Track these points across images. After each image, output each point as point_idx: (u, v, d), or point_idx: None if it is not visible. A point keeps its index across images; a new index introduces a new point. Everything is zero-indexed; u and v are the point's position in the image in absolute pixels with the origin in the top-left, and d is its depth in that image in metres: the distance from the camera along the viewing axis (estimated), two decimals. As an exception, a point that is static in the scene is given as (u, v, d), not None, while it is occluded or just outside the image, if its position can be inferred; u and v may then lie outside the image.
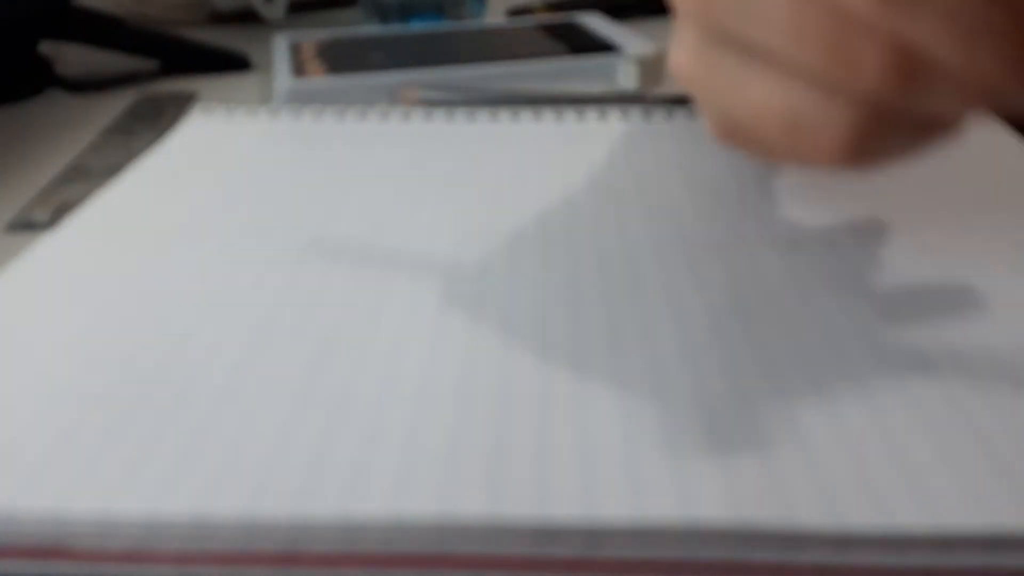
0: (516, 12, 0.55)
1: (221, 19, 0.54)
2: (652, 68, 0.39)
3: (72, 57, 0.44)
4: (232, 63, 0.44)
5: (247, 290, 0.20)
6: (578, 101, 0.34)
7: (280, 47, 0.43)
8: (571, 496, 0.14)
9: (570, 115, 0.32)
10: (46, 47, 0.43)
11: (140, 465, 0.15)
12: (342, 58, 0.41)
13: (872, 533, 0.13)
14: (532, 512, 0.13)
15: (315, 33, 0.45)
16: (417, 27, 0.47)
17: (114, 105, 0.39)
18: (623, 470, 0.14)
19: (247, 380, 0.17)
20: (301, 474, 0.14)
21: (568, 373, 0.17)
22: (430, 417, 0.16)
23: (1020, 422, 0.15)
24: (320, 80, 0.38)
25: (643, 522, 0.13)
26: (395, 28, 0.47)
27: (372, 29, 0.48)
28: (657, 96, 0.35)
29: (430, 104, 0.34)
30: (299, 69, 0.40)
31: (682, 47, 0.17)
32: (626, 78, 0.38)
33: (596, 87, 0.37)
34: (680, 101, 0.33)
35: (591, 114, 0.32)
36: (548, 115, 0.32)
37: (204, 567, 0.14)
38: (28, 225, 0.27)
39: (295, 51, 0.43)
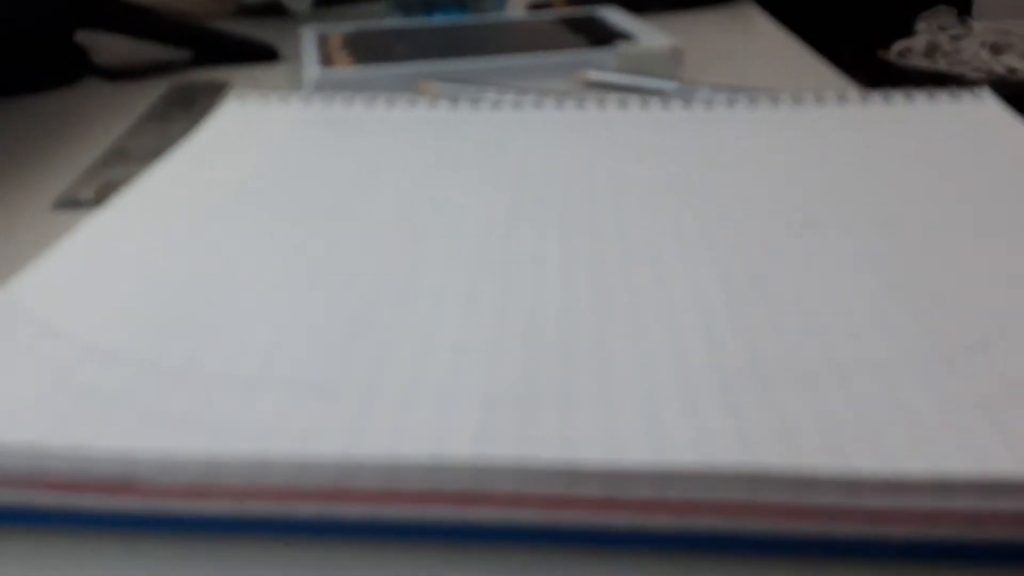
0: (536, 6, 0.56)
1: (249, 12, 0.56)
2: (670, 60, 0.40)
3: (108, 47, 0.46)
4: (261, 54, 0.46)
5: (288, 259, 0.22)
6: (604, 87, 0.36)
7: (308, 38, 0.44)
8: (595, 441, 0.15)
9: (591, 103, 0.33)
10: (83, 37, 0.45)
11: (202, 408, 0.16)
12: (368, 49, 0.43)
13: (875, 477, 0.14)
14: (559, 455, 0.15)
15: (341, 26, 0.47)
16: (440, 20, 0.48)
17: (149, 93, 0.41)
18: (644, 417, 0.16)
19: (296, 333, 0.18)
20: (349, 418, 0.16)
21: (592, 330, 0.18)
22: (466, 368, 0.17)
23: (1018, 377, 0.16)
24: (347, 70, 0.40)
25: (662, 465, 0.14)
26: (418, 21, 0.49)
27: (396, 22, 0.49)
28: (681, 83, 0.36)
29: (449, 96, 0.35)
30: (327, 59, 0.41)
31: None
32: (647, 69, 0.39)
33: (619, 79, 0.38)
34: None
35: (611, 102, 0.33)
36: (569, 103, 0.33)
37: (261, 502, 0.15)
38: (74, 203, 0.29)
39: (322, 42, 0.44)
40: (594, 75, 0.39)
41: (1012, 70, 1.07)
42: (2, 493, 0.15)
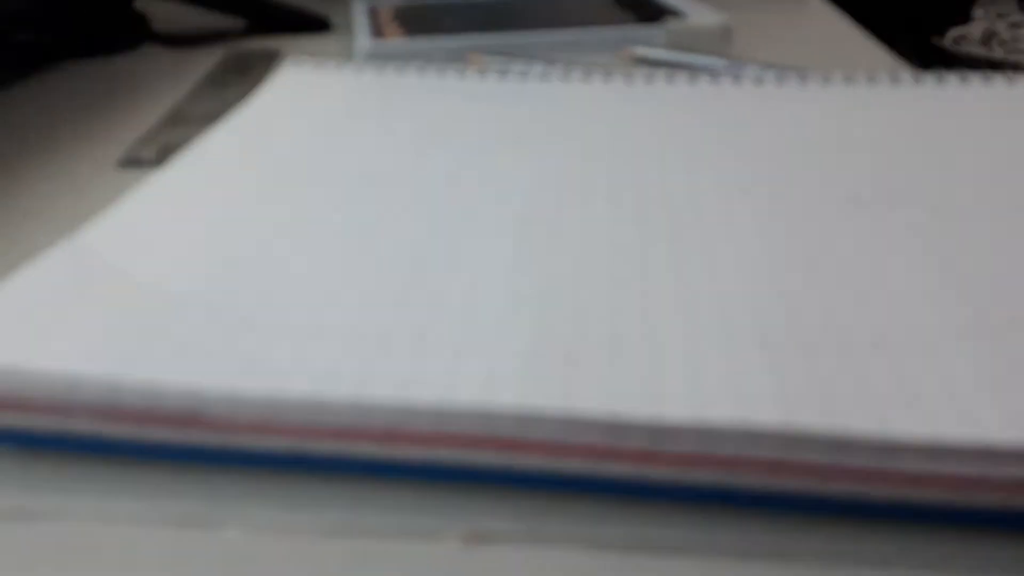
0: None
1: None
2: (719, 38, 0.40)
3: (165, 14, 0.47)
4: (313, 24, 0.46)
5: (343, 219, 0.22)
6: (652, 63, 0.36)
7: (359, 10, 0.45)
8: (639, 395, 0.16)
9: (638, 78, 0.33)
10: (142, 4, 0.46)
11: (266, 351, 0.17)
12: (417, 22, 0.43)
13: (912, 440, 0.15)
14: (603, 407, 0.15)
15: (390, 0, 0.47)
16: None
17: (205, 60, 0.42)
18: (687, 374, 0.16)
19: (352, 286, 0.19)
20: (402, 364, 0.16)
21: (639, 290, 0.19)
22: (515, 320, 0.18)
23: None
24: (397, 42, 0.40)
25: (703, 421, 0.15)
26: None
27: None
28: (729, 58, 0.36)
29: (498, 68, 0.36)
30: (377, 31, 0.42)
31: None
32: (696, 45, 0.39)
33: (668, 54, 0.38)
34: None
35: (659, 77, 0.33)
36: (617, 77, 0.33)
37: (319, 440, 0.16)
38: (137, 162, 0.30)
39: (373, 15, 0.45)
40: (641, 51, 0.39)
41: (1072, 60, 1.04)
42: (79, 423, 0.16)
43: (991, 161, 0.25)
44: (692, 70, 0.36)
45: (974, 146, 0.26)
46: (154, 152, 0.31)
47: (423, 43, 0.40)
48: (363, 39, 0.41)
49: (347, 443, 0.16)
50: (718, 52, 0.39)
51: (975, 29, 1.11)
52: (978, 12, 1.18)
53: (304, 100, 0.31)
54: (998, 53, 1.08)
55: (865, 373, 0.16)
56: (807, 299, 0.19)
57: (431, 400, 0.15)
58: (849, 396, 0.16)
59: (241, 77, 0.39)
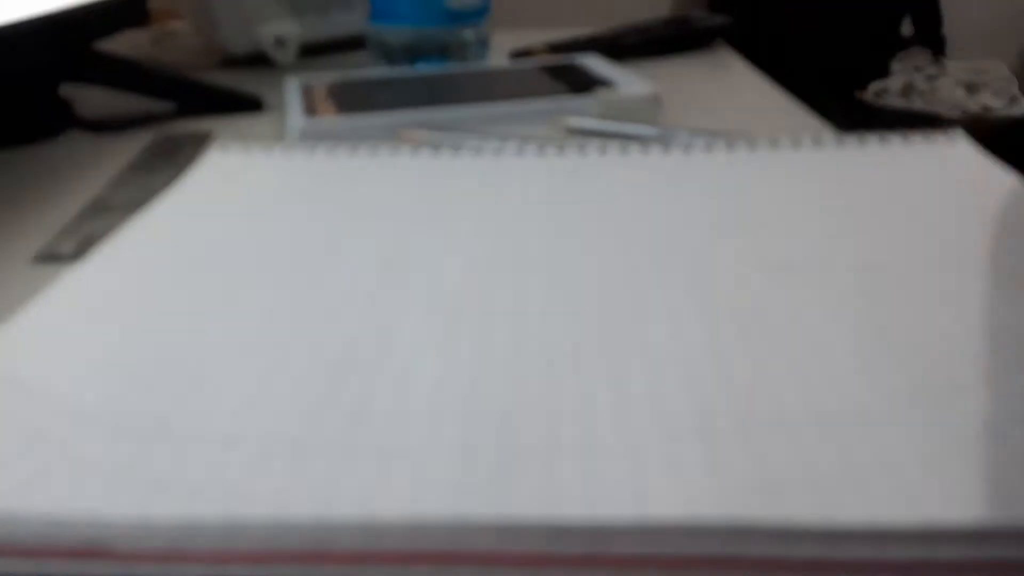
0: (518, 54, 0.57)
1: (234, 63, 0.57)
2: (650, 107, 0.41)
3: (91, 99, 0.46)
4: (246, 104, 0.46)
5: (267, 315, 0.21)
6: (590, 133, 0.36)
7: (292, 88, 0.45)
8: (577, 496, 0.15)
9: (571, 150, 0.33)
10: (66, 89, 0.45)
11: (176, 469, 0.16)
12: (351, 98, 0.43)
13: (859, 528, 0.14)
14: (540, 511, 0.14)
15: (325, 75, 0.47)
16: (423, 69, 0.49)
17: (132, 145, 0.41)
18: (626, 471, 0.15)
19: (271, 394, 0.18)
20: (324, 477, 0.15)
21: (571, 384, 0.18)
22: (443, 424, 0.17)
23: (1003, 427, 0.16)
24: (330, 120, 0.40)
25: (645, 520, 0.14)
26: (402, 70, 0.49)
27: (380, 71, 0.50)
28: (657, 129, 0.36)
29: (431, 144, 0.35)
30: (310, 109, 0.41)
31: None
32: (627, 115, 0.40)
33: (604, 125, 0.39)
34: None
35: (592, 148, 0.33)
36: (550, 150, 0.33)
37: (236, 565, 0.15)
38: (54, 257, 0.29)
39: (306, 92, 0.44)
40: (575, 122, 0.39)
41: (987, 108, 1.10)
42: (-30, 561, 0.15)
43: (916, 222, 0.26)
44: (624, 139, 0.36)
45: (898, 208, 0.27)
46: (73, 245, 0.29)
47: (357, 120, 0.40)
48: (295, 118, 0.40)
49: (266, 567, 0.15)
50: (649, 120, 0.39)
51: (894, 83, 1.17)
52: (896, 66, 1.24)
53: (229, 187, 0.30)
54: (918, 104, 1.13)
55: (809, 456, 0.16)
56: (743, 377, 0.18)
57: (356, 515, 0.14)
58: (793, 481, 0.15)
59: (169, 162, 0.38)
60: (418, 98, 0.42)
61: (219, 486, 0.15)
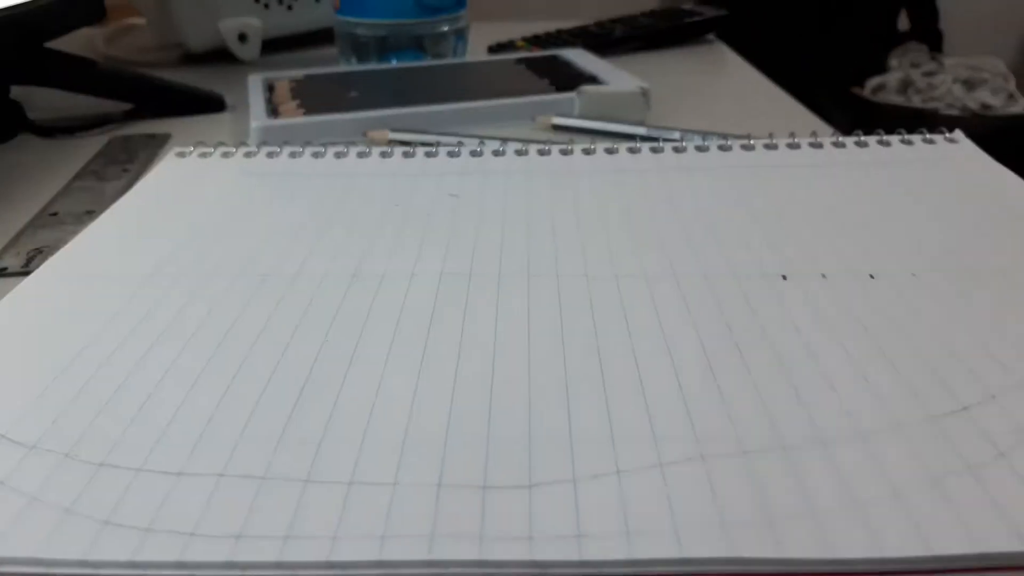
0: (498, 48, 0.55)
1: (195, 60, 0.54)
2: (638, 103, 0.38)
3: (43, 101, 0.43)
4: (206, 103, 0.43)
5: (222, 334, 0.19)
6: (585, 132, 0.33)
7: (254, 86, 0.42)
8: (560, 536, 0.13)
9: (554, 151, 0.30)
10: (17, 92, 0.42)
11: (122, 505, 0.14)
12: (317, 97, 0.40)
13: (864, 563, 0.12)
14: (520, 554, 0.13)
15: (290, 72, 0.45)
16: (396, 64, 0.46)
17: (86, 149, 0.38)
18: (615, 508, 0.13)
19: (226, 424, 0.16)
20: (283, 517, 0.13)
21: (558, 405, 0.16)
22: (415, 457, 0.15)
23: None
24: (294, 121, 0.37)
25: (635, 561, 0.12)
26: (372, 66, 0.47)
27: (349, 67, 0.47)
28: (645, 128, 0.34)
29: (402, 145, 0.33)
30: (273, 109, 0.39)
31: None
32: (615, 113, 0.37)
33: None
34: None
35: (576, 150, 0.31)
36: (532, 151, 0.31)
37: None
38: (0, 271, 0.26)
39: (270, 91, 0.42)
40: (559, 120, 0.37)
41: (986, 106, 1.08)
42: None
43: (916, 228, 0.24)
44: (612, 138, 0.34)
45: (897, 211, 0.25)
46: (21, 259, 0.27)
47: (323, 121, 0.37)
48: (257, 119, 0.38)
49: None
50: (638, 118, 0.37)
51: (892, 79, 1.15)
52: (893, 62, 1.22)
53: (184, 195, 0.28)
54: (915, 101, 1.11)
55: (807, 485, 0.14)
56: (740, 399, 0.16)
57: (314, 560, 0.13)
58: (794, 516, 0.13)
59: (123, 167, 0.36)
60: (389, 96, 0.40)
61: (168, 523, 0.13)
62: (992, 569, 0.13)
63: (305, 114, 0.38)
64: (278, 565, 0.13)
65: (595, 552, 0.13)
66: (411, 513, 0.14)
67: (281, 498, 0.14)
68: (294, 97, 0.40)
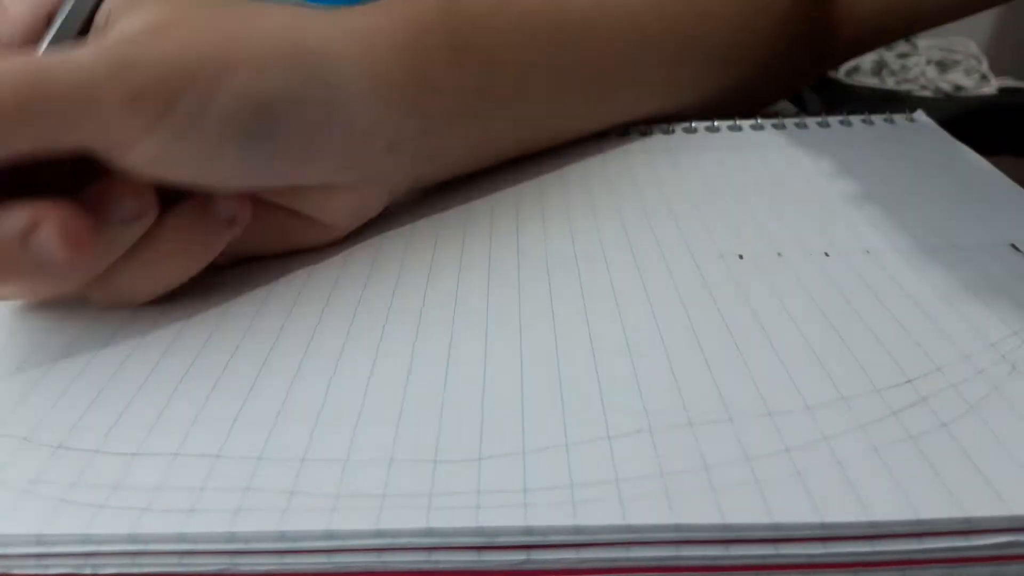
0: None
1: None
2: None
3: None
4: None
5: (204, 336, 0.19)
6: None
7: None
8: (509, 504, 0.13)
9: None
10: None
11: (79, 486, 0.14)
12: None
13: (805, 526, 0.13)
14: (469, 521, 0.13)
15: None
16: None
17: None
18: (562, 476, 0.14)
19: (210, 411, 0.16)
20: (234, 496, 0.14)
21: (513, 386, 0.17)
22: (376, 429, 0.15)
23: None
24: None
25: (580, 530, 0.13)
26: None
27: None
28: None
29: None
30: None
31: None
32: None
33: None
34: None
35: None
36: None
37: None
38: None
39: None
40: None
41: (958, 87, 1.09)
42: None
43: (870, 204, 0.24)
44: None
45: (853, 190, 0.25)
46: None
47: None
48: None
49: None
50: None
51: (866, 61, 1.16)
52: (868, 44, 1.23)
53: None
54: (890, 83, 1.12)
55: (749, 454, 0.14)
56: (692, 374, 0.17)
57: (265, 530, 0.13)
58: (739, 485, 0.14)
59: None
60: None
61: (123, 501, 0.14)
62: (927, 535, 0.13)
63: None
64: (230, 537, 0.13)
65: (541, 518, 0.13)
66: (363, 486, 0.14)
67: (238, 474, 0.14)
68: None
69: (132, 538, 0.13)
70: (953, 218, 0.23)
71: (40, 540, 0.13)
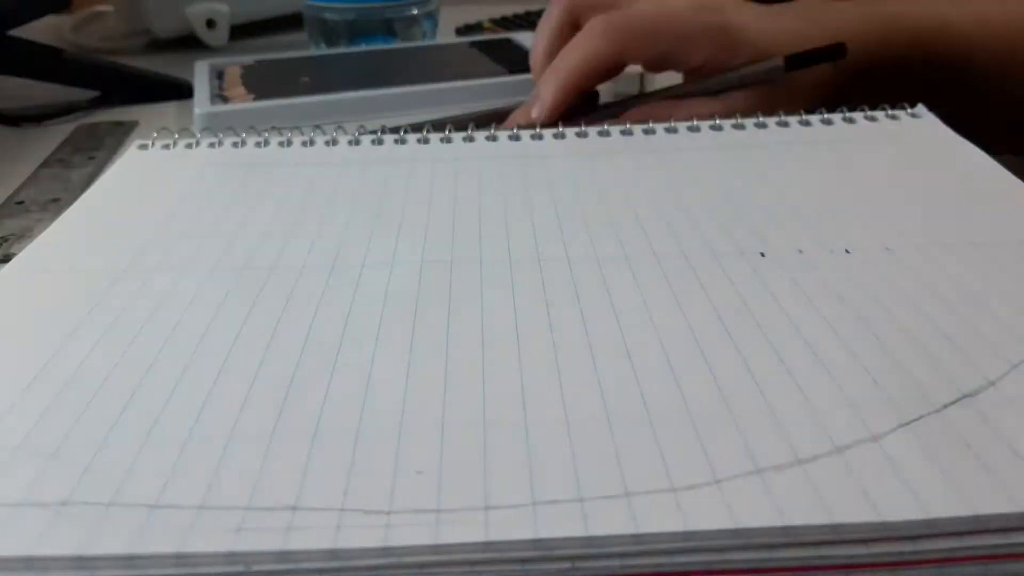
0: (465, 29, 0.55)
1: (162, 46, 0.53)
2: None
3: (9, 90, 0.43)
4: (174, 90, 0.43)
5: (198, 331, 0.19)
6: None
7: (200, 73, 0.41)
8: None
9: (525, 136, 0.31)
10: (-22, 80, 0.41)
11: (72, 501, 0.14)
12: (267, 82, 0.40)
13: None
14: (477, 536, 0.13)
15: (242, 58, 0.44)
16: (351, 48, 0.46)
17: (53, 137, 0.38)
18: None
19: (213, 421, 0.16)
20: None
21: (510, 394, 0.17)
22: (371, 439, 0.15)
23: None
24: (239, 106, 0.37)
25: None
26: (325, 50, 0.47)
27: (300, 51, 0.47)
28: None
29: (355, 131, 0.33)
30: (221, 95, 0.38)
31: None
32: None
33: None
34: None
35: (548, 134, 0.31)
36: (480, 136, 0.31)
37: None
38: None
39: (219, 76, 0.41)
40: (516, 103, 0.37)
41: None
42: None
43: (884, 201, 0.24)
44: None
45: (866, 187, 0.25)
46: (-16, 250, 0.27)
47: (269, 106, 0.37)
48: (200, 106, 0.37)
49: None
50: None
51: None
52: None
53: (149, 186, 0.28)
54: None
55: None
56: (698, 378, 0.17)
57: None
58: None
59: (89, 155, 0.36)
60: (339, 81, 0.39)
61: (120, 519, 0.13)
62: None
63: (254, 100, 0.38)
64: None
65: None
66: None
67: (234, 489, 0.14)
68: (244, 83, 0.40)
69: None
70: (965, 215, 0.23)
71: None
